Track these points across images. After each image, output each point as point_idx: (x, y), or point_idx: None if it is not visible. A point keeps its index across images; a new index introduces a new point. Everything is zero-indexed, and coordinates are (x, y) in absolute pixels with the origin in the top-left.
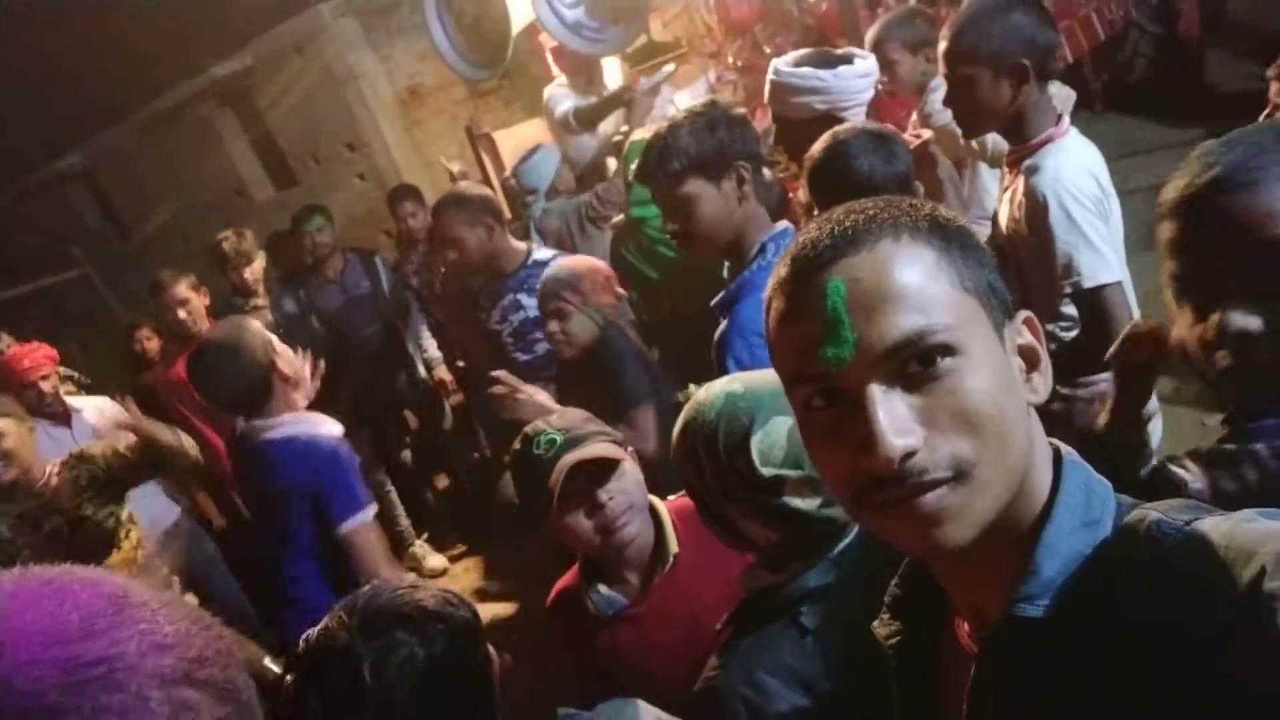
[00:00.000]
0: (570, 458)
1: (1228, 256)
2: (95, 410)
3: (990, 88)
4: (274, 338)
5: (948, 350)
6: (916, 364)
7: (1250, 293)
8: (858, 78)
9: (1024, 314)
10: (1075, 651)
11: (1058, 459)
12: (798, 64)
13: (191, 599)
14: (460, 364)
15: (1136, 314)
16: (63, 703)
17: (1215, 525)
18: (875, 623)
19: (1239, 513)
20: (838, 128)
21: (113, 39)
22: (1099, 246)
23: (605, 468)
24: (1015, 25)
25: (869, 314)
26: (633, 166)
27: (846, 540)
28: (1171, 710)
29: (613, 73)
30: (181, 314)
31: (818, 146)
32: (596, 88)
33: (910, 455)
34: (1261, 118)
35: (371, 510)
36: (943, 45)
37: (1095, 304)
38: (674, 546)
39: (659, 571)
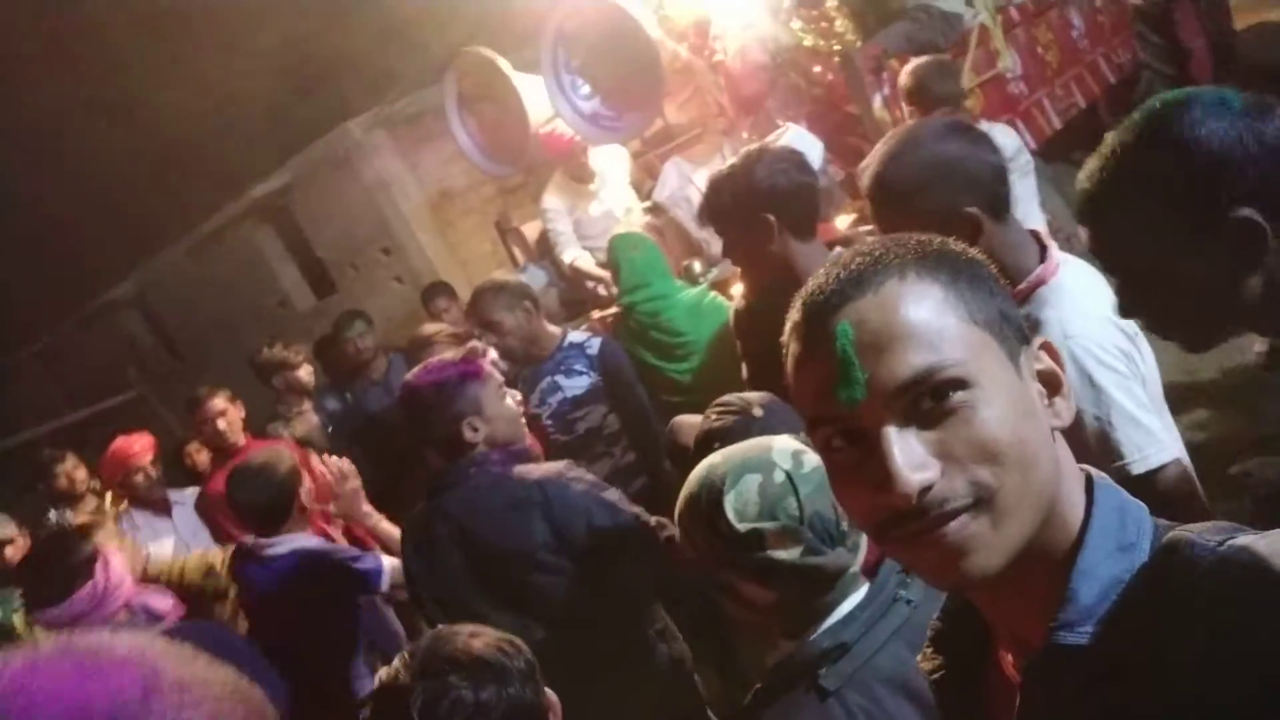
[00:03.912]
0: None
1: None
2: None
3: None
4: (304, 470)
5: (960, 384)
6: (929, 400)
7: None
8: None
9: (1041, 339)
10: (1119, 679)
11: (1089, 484)
12: None
13: None
14: None
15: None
16: None
17: (1248, 547)
18: (919, 657)
19: (1273, 532)
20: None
21: (158, 169)
22: (1140, 418)
23: None
24: (950, 163)
25: (878, 354)
26: (627, 261)
27: (859, 596)
28: None
29: (615, 156)
30: (220, 425)
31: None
32: (588, 178)
33: (928, 489)
34: None
35: (386, 559)
36: (868, 196)
37: (1152, 489)
38: None
39: None
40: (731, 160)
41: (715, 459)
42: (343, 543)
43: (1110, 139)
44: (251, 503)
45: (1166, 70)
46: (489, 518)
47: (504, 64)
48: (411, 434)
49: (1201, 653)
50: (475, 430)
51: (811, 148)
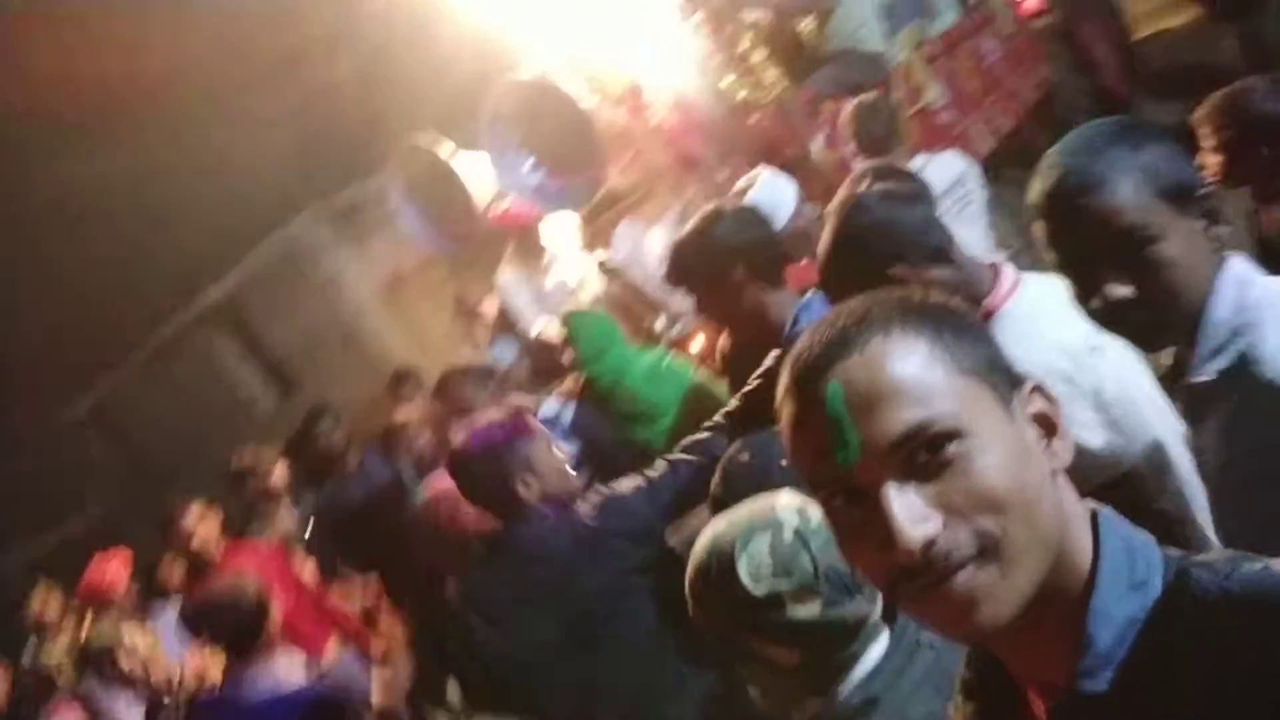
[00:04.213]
0: None
1: (1093, 245)
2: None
3: None
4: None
5: (954, 435)
6: (925, 453)
7: (1115, 269)
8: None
9: (1032, 382)
10: None
11: (1095, 520)
12: None
13: None
14: None
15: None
16: None
17: (1255, 578)
18: (950, 706)
19: (1276, 560)
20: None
21: (108, 288)
22: (1089, 443)
23: None
24: (870, 234)
25: (869, 413)
26: (583, 335)
27: (881, 646)
28: None
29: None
30: (194, 541)
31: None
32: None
33: (932, 543)
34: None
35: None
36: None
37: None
38: None
39: None
40: (687, 222)
41: (719, 525)
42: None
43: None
44: (218, 634)
45: (1081, 85)
46: (569, 560)
47: (445, 150)
48: (465, 495)
49: (1218, 687)
50: (529, 487)
51: (787, 189)
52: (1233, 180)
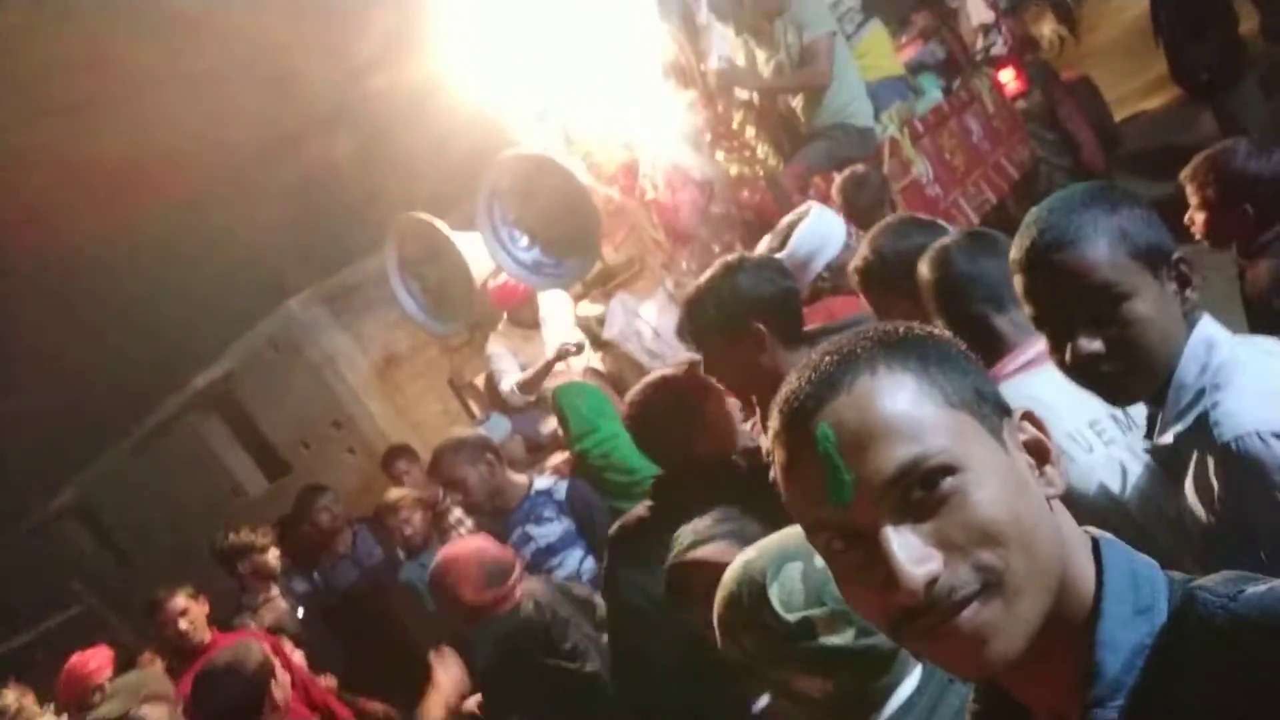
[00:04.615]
0: (684, 558)
1: (1067, 300)
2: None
3: None
4: (274, 661)
5: (947, 470)
6: (920, 490)
7: (1088, 323)
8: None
9: (1022, 410)
10: None
11: (1096, 547)
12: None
13: None
14: None
15: None
16: None
17: (1259, 601)
18: None
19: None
20: (940, 241)
21: (90, 367)
22: None
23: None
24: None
25: (861, 453)
26: (573, 410)
27: (914, 681)
28: None
29: (558, 299)
30: (183, 625)
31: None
32: (533, 323)
33: (933, 582)
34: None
35: None
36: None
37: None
38: None
39: None
40: (707, 273)
41: (748, 554)
42: None
43: None
44: (217, 709)
45: (1061, 162)
46: None
47: (441, 225)
48: None
49: (1228, 710)
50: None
51: (836, 222)
52: (1217, 238)
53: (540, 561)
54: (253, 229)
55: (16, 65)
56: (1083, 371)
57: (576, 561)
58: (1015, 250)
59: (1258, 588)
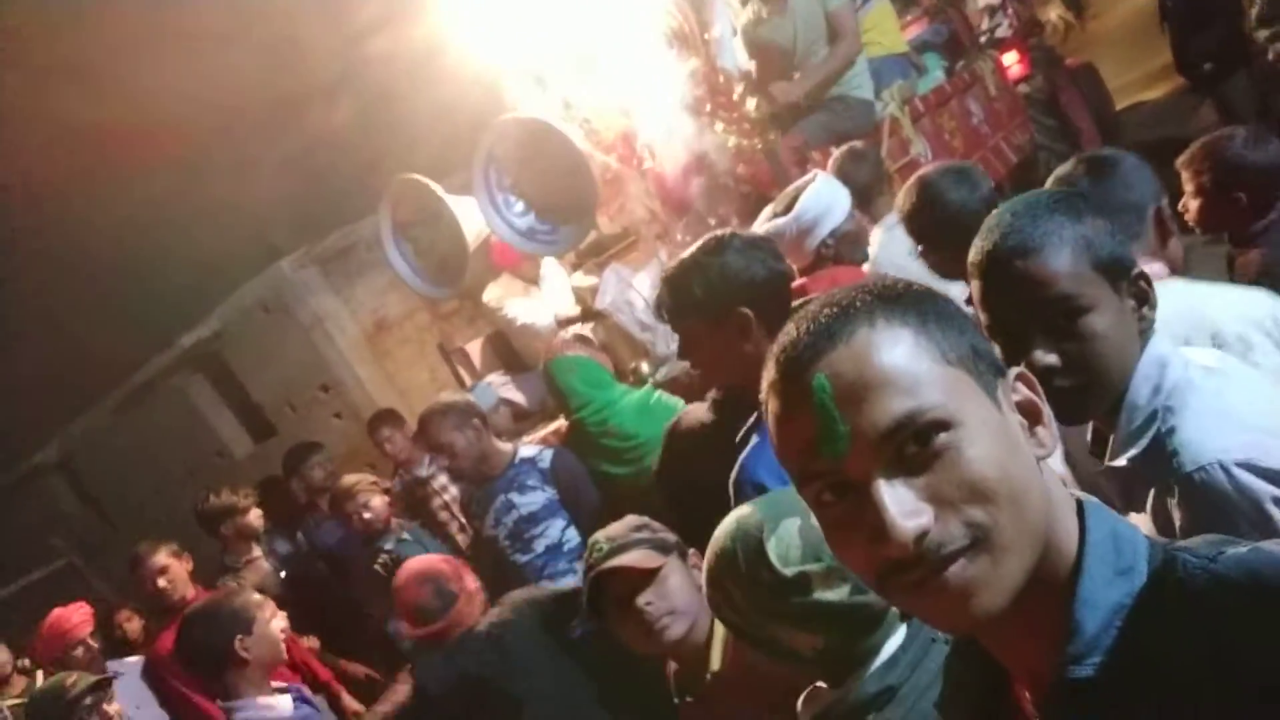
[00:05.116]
0: (604, 566)
1: (1024, 309)
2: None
3: None
4: (259, 615)
5: (942, 426)
6: (914, 444)
7: (1044, 335)
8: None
9: (1017, 370)
10: (1132, 707)
11: (1081, 510)
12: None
13: None
14: None
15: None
16: None
17: (1241, 559)
18: (936, 699)
19: (1262, 544)
20: (921, 171)
21: (78, 324)
22: None
23: (645, 574)
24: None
25: (857, 405)
26: (567, 384)
27: (898, 638)
28: None
29: (551, 265)
30: (162, 583)
31: (909, 196)
32: (534, 279)
33: (923, 535)
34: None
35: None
36: None
37: None
38: (715, 665)
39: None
40: (693, 248)
41: (743, 510)
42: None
43: None
44: (186, 651)
45: (1060, 149)
46: None
47: (436, 188)
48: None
49: (1203, 672)
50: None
51: (841, 192)
52: (1210, 225)
53: (522, 530)
54: (247, 191)
55: (14, 25)
56: None
57: (558, 531)
58: (974, 253)
59: (1238, 549)
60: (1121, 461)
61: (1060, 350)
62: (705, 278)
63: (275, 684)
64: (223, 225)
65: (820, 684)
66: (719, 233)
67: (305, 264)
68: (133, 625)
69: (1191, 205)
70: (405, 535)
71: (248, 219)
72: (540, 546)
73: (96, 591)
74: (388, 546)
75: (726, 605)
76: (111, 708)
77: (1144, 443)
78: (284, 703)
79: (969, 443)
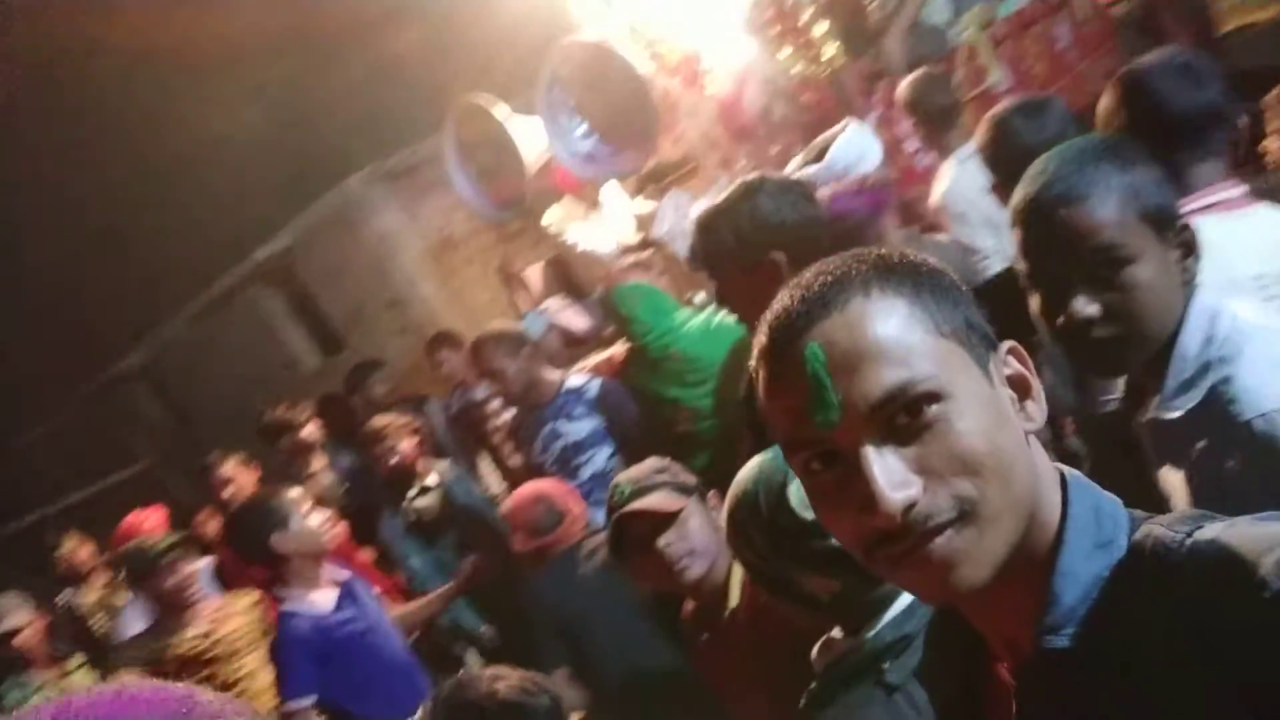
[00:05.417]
0: (626, 509)
1: (1067, 259)
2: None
3: None
4: (294, 511)
5: (933, 397)
6: (904, 415)
7: (1086, 285)
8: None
9: (1008, 344)
10: (1105, 678)
11: (1064, 483)
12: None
13: None
14: None
15: None
16: None
17: (1216, 536)
18: (916, 668)
19: (1239, 519)
20: (994, 109)
21: (161, 238)
22: None
23: (666, 516)
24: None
25: (850, 374)
26: (630, 311)
27: None
28: None
29: (612, 190)
30: (228, 492)
31: (985, 130)
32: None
33: (911, 507)
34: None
35: (304, 703)
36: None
37: None
38: (733, 601)
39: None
40: (723, 193)
41: (763, 457)
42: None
43: None
44: (231, 549)
45: None
46: None
47: (499, 111)
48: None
49: (1178, 641)
50: None
51: (873, 141)
52: None
53: (569, 457)
54: (320, 107)
55: None
56: (1077, 338)
57: (604, 459)
58: (1016, 200)
59: (1215, 524)
60: (1174, 414)
61: (1102, 301)
62: (735, 224)
63: (335, 575)
64: (296, 141)
65: (835, 633)
66: (749, 177)
67: (374, 180)
68: (210, 527)
69: (1272, 146)
70: (431, 480)
71: (320, 135)
72: (586, 474)
73: (173, 494)
74: (417, 504)
75: (746, 548)
76: (189, 567)
77: (1198, 394)
78: (326, 600)
79: (959, 415)
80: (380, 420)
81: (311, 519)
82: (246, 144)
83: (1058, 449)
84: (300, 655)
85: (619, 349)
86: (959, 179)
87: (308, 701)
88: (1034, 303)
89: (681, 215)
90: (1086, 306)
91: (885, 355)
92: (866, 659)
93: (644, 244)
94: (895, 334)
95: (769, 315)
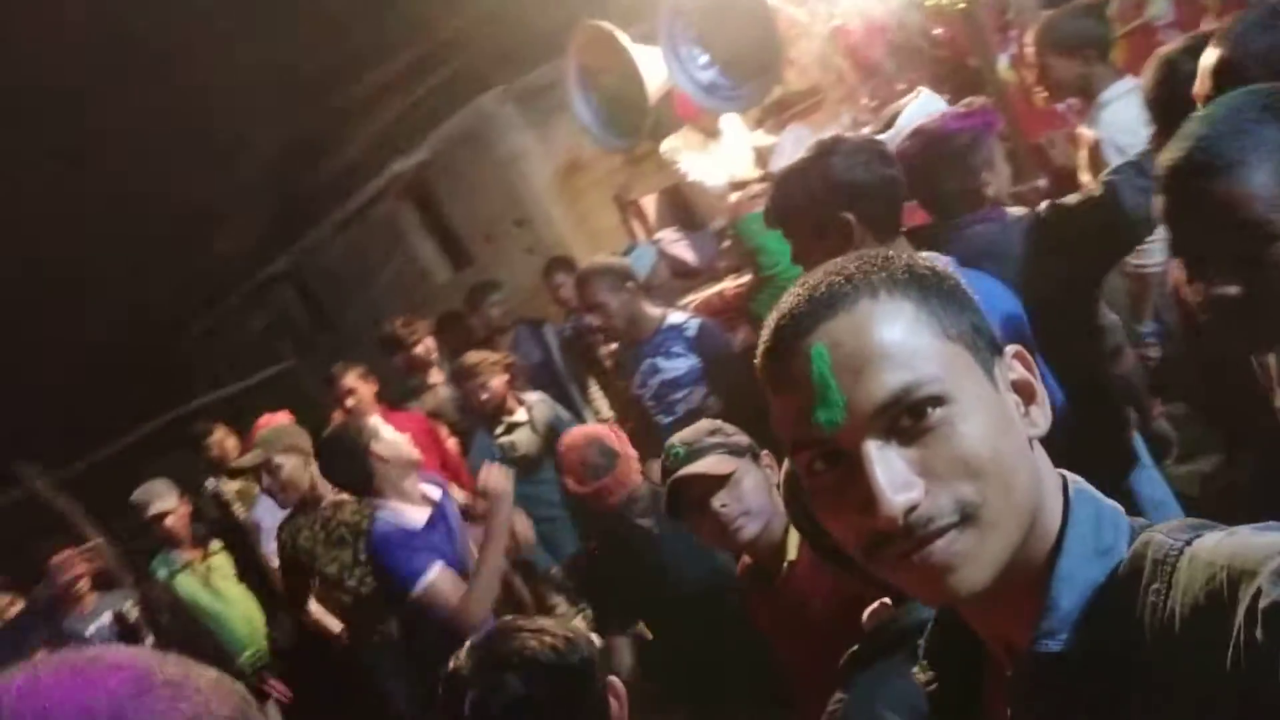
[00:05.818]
0: (681, 472)
1: (1210, 230)
2: None
3: None
4: (380, 429)
5: (937, 401)
6: (908, 418)
7: (1230, 261)
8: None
9: (1013, 349)
10: (1098, 683)
11: (1066, 490)
12: None
13: None
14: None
15: None
16: None
17: (1216, 544)
18: (914, 669)
19: (1239, 528)
20: (1164, 48)
21: (310, 151)
22: None
23: (720, 478)
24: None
25: (855, 375)
26: (759, 241)
27: None
28: None
29: (731, 122)
30: (350, 403)
31: (1149, 71)
32: (715, 134)
33: (913, 509)
34: None
35: (434, 569)
36: None
37: None
38: (790, 554)
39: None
40: (800, 154)
41: None
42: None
43: None
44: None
45: None
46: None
47: (622, 36)
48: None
49: (1171, 653)
50: (989, 185)
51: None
52: None
53: (666, 393)
54: (453, 26)
55: None
56: (1213, 313)
57: (700, 398)
58: (1160, 164)
59: (1215, 532)
60: None
61: (1243, 280)
62: (807, 183)
63: (429, 493)
64: (430, 58)
65: (886, 600)
66: (824, 138)
67: (506, 99)
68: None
69: None
70: (520, 416)
71: (455, 53)
72: (681, 410)
73: (311, 396)
74: (502, 440)
75: (802, 513)
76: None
77: None
78: (416, 515)
79: (963, 419)
80: (472, 357)
81: (398, 435)
82: (386, 62)
83: (1145, 432)
84: (399, 545)
85: (729, 284)
86: (1121, 110)
87: (435, 569)
88: (1175, 269)
89: (800, 151)
90: (1224, 287)
91: (890, 357)
92: (907, 630)
93: (763, 178)
94: (901, 336)
95: (775, 314)
